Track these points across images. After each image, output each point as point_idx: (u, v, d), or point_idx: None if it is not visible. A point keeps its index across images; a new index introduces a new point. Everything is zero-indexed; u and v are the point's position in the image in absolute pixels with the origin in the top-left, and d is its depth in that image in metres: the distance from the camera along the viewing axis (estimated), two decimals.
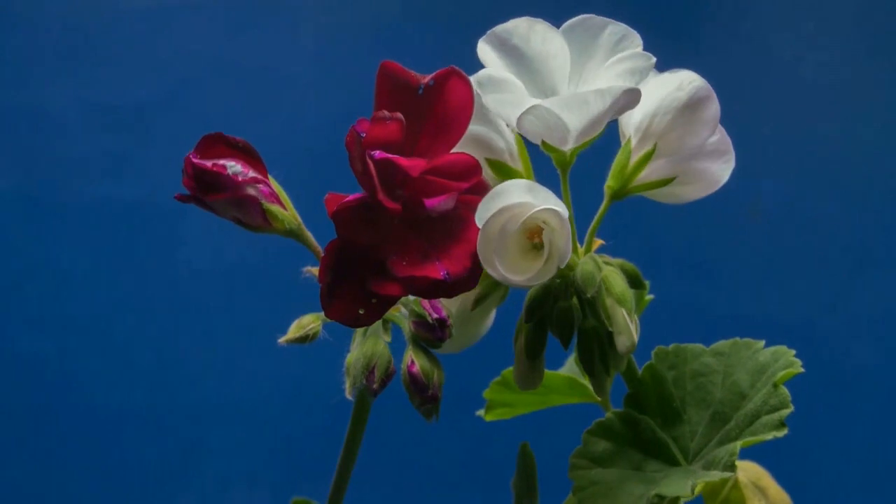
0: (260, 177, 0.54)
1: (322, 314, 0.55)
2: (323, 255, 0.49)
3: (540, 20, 0.51)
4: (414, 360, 0.55)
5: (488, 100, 0.50)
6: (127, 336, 1.31)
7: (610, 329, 0.50)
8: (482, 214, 0.47)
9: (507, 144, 0.52)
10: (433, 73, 0.50)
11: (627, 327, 0.49)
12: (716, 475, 0.51)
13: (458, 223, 0.48)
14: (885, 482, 1.29)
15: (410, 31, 1.35)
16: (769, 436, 0.51)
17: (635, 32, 0.50)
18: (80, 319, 1.31)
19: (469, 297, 0.55)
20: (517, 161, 0.53)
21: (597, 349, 0.52)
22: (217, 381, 1.30)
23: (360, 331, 0.56)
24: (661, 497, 0.52)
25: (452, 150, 0.50)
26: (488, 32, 0.51)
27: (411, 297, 0.55)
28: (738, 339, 0.57)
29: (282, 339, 0.56)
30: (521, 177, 0.52)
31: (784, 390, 0.53)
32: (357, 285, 0.49)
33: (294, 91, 1.33)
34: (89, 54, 1.33)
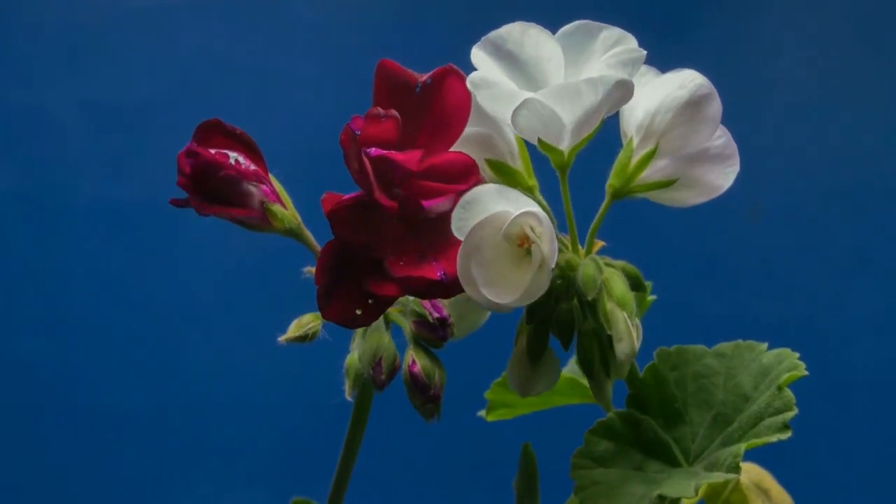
0: (261, 172, 0.53)
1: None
2: (320, 256, 0.49)
3: (533, 24, 0.51)
4: (415, 359, 0.55)
5: (482, 97, 0.49)
6: (127, 336, 1.31)
7: (609, 333, 0.50)
8: (460, 226, 0.47)
9: (507, 145, 0.52)
10: (431, 72, 0.50)
11: (628, 333, 0.49)
12: (719, 476, 0.51)
13: None
14: (886, 483, 1.29)
15: (411, 31, 1.35)
16: (773, 438, 0.51)
17: (631, 36, 0.50)
18: (80, 319, 1.31)
19: None
20: (518, 161, 0.53)
21: (597, 352, 0.52)
22: (217, 380, 1.30)
23: (359, 331, 0.56)
24: (662, 497, 0.52)
25: (451, 149, 0.50)
26: (482, 39, 0.51)
27: (410, 298, 0.55)
28: (740, 341, 0.57)
29: (281, 339, 0.56)
30: (522, 177, 0.52)
31: (788, 393, 0.52)
32: (354, 286, 0.48)
33: (294, 91, 1.33)
34: (89, 54, 1.33)
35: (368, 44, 1.32)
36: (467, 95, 0.50)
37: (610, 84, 0.47)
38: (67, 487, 1.30)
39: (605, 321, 0.50)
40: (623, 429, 0.56)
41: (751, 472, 0.63)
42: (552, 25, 0.51)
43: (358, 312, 0.48)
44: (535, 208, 0.47)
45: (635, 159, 0.52)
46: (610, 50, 0.50)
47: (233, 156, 0.53)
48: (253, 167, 0.53)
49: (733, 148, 0.53)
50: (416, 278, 0.48)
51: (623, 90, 0.48)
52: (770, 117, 1.32)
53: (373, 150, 0.48)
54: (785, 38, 1.36)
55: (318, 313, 0.55)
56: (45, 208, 1.32)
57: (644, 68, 0.52)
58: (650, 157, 0.52)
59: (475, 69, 0.50)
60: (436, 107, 0.50)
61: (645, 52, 0.49)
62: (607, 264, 0.52)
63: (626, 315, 0.50)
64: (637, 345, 0.50)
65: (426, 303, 0.55)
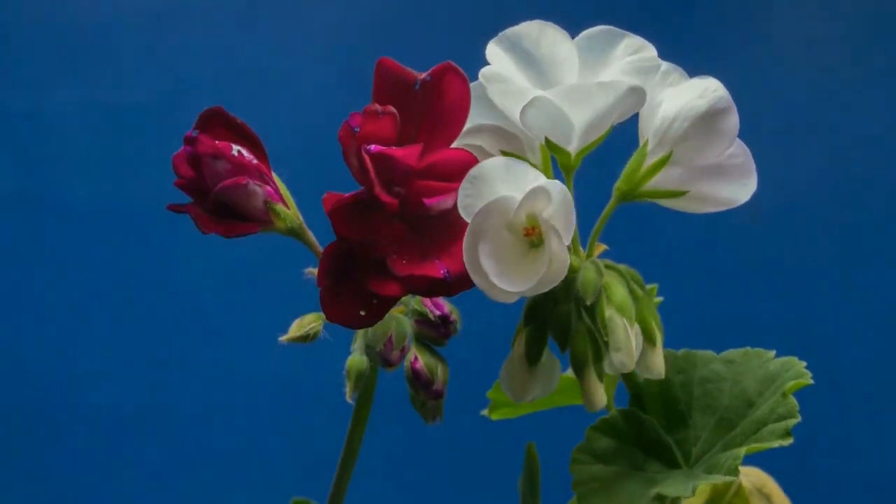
0: (264, 168, 0.53)
1: (323, 313, 0.55)
2: (322, 258, 0.49)
3: (551, 24, 0.51)
4: (418, 356, 0.55)
5: (493, 90, 0.49)
6: (127, 336, 1.31)
7: (606, 339, 0.49)
8: (467, 203, 0.47)
9: (526, 137, 0.52)
10: (430, 70, 0.50)
11: (627, 343, 0.49)
12: (718, 479, 0.51)
13: (457, 221, 0.48)
14: (886, 484, 1.28)
15: (411, 31, 1.34)
16: (775, 443, 0.51)
17: (651, 46, 0.50)
18: (80, 319, 1.31)
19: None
20: (537, 155, 0.52)
21: (590, 352, 0.51)
22: (217, 380, 1.30)
23: (360, 332, 0.56)
24: (662, 497, 0.52)
25: (452, 145, 0.50)
26: (499, 34, 0.51)
27: (411, 297, 0.55)
28: (748, 348, 0.57)
29: (283, 338, 0.56)
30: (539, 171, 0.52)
31: (792, 400, 0.53)
32: (357, 287, 0.48)
33: (294, 92, 1.33)
34: (89, 54, 1.33)
35: (368, 43, 1.32)
36: (467, 92, 0.50)
37: (622, 89, 0.47)
38: (67, 487, 1.30)
39: (602, 328, 0.50)
40: (625, 427, 0.56)
41: (752, 476, 0.63)
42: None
43: (362, 313, 0.48)
44: (543, 181, 0.46)
45: (647, 164, 0.52)
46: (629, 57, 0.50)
47: (235, 147, 0.52)
48: (255, 161, 0.53)
49: (751, 166, 0.52)
50: (419, 277, 0.47)
51: (635, 97, 0.48)
52: (770, 117, 1.31)
53: (373, 147, 0.47)
54: (785, 37, 1.36)
55: (320, 313, 0.55)
56: (45, 208, 1.32)
57: (670, 67, 0.52)
58: (662, 163, 0.51)
59: (476, 70, 0.50)
60: (435, 104, 0.49)
61: (661, 63, 0.49)
62: (608, 267, 0.52)
63: (625, 323, 0.49)
64: (636, 355, 0.50)
65: (427, 301, 0.55)
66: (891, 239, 1.31)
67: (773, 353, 0.56)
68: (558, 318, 0.52)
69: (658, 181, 0.52)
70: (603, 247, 0.53)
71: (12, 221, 1.31)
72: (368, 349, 0.55)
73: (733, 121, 0.51)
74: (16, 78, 1.33)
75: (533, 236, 0.48)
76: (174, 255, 1.30)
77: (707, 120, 0.51)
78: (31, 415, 1.30)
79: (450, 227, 0.48)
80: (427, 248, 0.48)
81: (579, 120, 0.48)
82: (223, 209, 0.52)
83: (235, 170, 0.52)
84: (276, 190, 0.53)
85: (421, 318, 0.55)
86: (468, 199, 0.47)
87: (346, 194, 0.49)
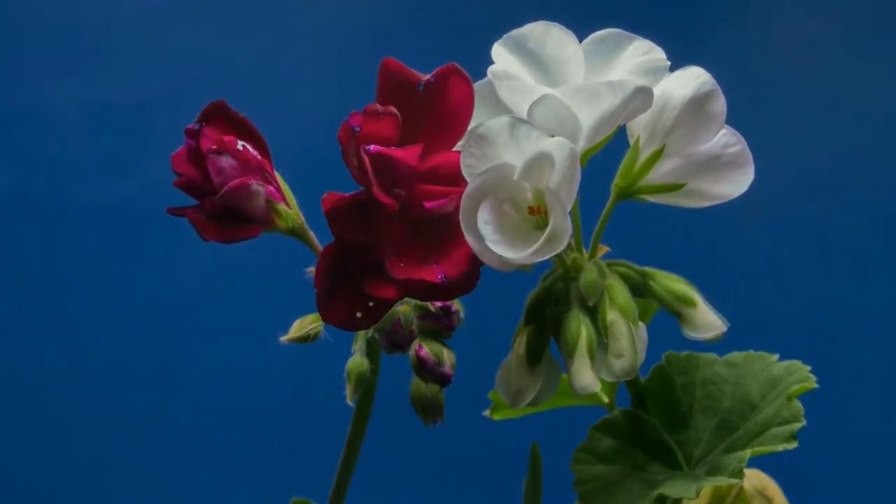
0: (267, 166, 0.53)
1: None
2: (319, 259, 0.49)
3: (556, 25, 0.51)
4: (422, 345, 0.55)
5: (501, 87, 0.49)
6: (127, 336, 1.30)
7: (606, 341, 0.49)
8: (469, 163, 0.46)
9: None
10: (434, 71, 0.50)
11: (631, 350, 0.49)
12: (722, 481, 0.50)
13: (456, 224, 0.47)
14: (887, 484, 1.28)
15: (412, 31, 1.34)
16: (779, 447, 0.51)
17: (660, 49, 0.50)
18: (80, 319, 1.31)
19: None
20: None
21: (585, 336, 0.50)
22: (218, 380, 1.30)
23: (361, 332, 0.56)
24: (663, 498, 0.52)
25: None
26: (504, 36, 0.51)
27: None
28: (751, 351, 0.57)
29: (283, 339, 0.55)
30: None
31: (797, 404, 0.53)
32: (354, 289, 0.48)
33: (295, 92, 1.33)
34: (89, 54, 1.33)
35: (369, 44, 1.32)
36: (470, 94, 0.49)
37: (630, 89, 0.47)
38: (67, 487, 1.29)
39: (603, 331, 0.49)
40: (627, 427, 0.55)
41: (754, 479, 0.63)
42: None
43: (358, 315, 0.48)
44: (544, 145, 0.46)
45: (642, 159, 0.52)
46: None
47: (240, 143, 0.52)
48: (259, 157, 0.52)
49: (747, 156, 0.52)
50: (417, 281, 0.47)
51: (643, 97, 0.48)
52: (770, 117, 1.31)
53: (372, 147, 0.47)
54: (785, 37, 1.36)
55: None
56: (45, 208, 1.31)
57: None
58: (657, 156, 0.51)
59: (478, 72, 0.50)
60: (439, 106, 0.49)
61: (669, 63, 0.49)
62: (610, 265, 0.51)
63: (630, 328, 0.49)
64: (640, 359, 0.49)
65: None
66: (891, 239, 1.31)
67: (776, 356, 0.56)
68: (560, 319, 0.51)
69: (655, 176, 0.52)
70: (605, 248, 0.53)
71: (12, 221, 1.31)
72: (373, 341, 0.55)
73: (720, 103, 0.51)
74: (16, 77, 1.33)
75: (537, 216, 0.47)
76: (174, 255, 1.30)
77: (694, 105, 0.51)
78: (32, 415, 1.30)
79: (449, 231, 0.48)
80: (425, 251, 0.48)
81: (587, 119, 0.48)
82: (225, 212, 0.51)
83: (240, 166, 0.51)
84: (279, 188, 0.53)
85: (423, 313, 0.55)
86: (471, 160, 0.46)
87: (345, 194, 0.48)
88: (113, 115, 1.32)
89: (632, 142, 0.52)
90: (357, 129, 0.48)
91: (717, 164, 0.52)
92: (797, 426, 0.52)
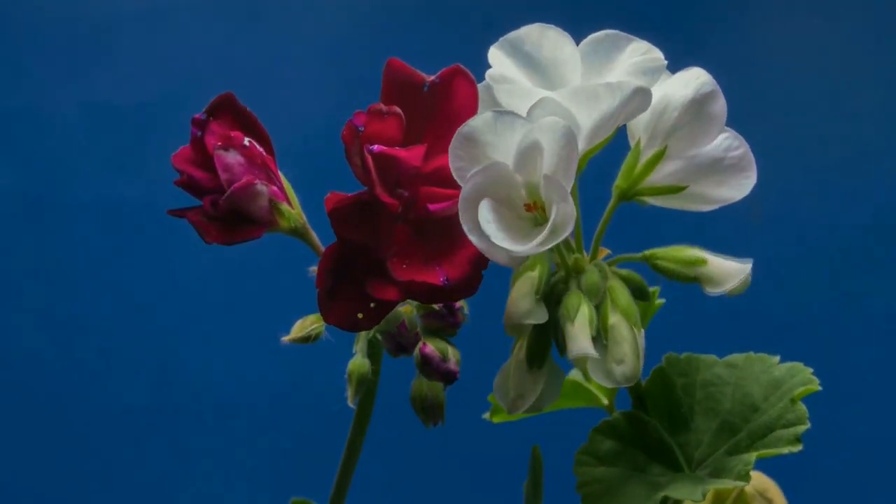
0: (271, 164, 0.53)
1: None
2: (321, 259, 0.49)
3: (552, 27, 0.51)
4: (426, 343, 0.54)
5: (500, 92, 0.49)
6: (127, 336, 1.30)
7: (605, 343, 0.49)
8: (458, 167, 0.46)
9: None
10: (438, 72, 0.50)
11: (633, 356, 0.48)
12: (728, 483, 0.50)
13: (459, 227, 0.47)
14: (887, 485, 1.28)
15: (414, 31, 1.34)
16: (784, 450, 0.51)
17: (657, 50, 0.50)
18: (80, 319, 1.30)
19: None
20: None
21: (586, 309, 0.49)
22: (218, 380, 1.30)
23: (362, 334, 0.56)
24: (666, 500, 0.52)
25: None
26: (500, 39, 0.51)
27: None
28: (751, 353, 0.57)
29: (285, 339, 0.55)
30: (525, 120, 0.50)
31: (802, 407, 0.53)
32: (356, 289, 0.48)
33: (296, 92, 1.33)
34: (89, 54, 1.33)
35: (370, 44, 1.32)
36: (475, 95, 0.49)
37: (629, 90, 0.47)
38: (67, 487, 1.29)
39: (604, 334, 0.49)
40: (628, 429, 0.55)
41: (755, 480, 0.63)
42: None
43: (360, 316, 0.48)
44: (535, 131, 0.45)
45: (643, 160, 0.52)
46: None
47: (247, 139, 0.52)
48: (265, 154, 0.52)
49: (750, 160, 0.52)
50: (419, 283, 0.47)
51: (641, 98, 0.48)
52: (770, 117, 1.31)
53: (376, 147, 0.47)
54: (785, 37, 1.36)
55: None
56: (45, 208, 1.31)
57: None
58: (658, 158, 0.51)
59: (481, 72, 0.50)
60: (443, 106, 0.49)
61: (666, 63, 0.49)
62: (612, 264, 0.51)
63: (632, 332, 0.49)
64: (640, 366, 0.49)
65: None
66: (891, 238, 1.31)
67: (777, 358, 0.56)
68: (559, 321, 0.50)
69: (656, 178, 0.52)
70: (605, 251, 0.52)
71: (12, 221, 1.31)
72: (374, 342, 0.55)
73: (720, 104, 0.51)
74: (16, 78, 1.33)
75: (535, 211, 0.47)
76: (174, 255, 1.30)
77: (695, 106, 0.51)
78: (32, 415, 1.30)
79: (452, 233, 0.47)
80: (428, 253, 0.48)
81: (586, 121, 0.48)
82: (228, 213, 0.51)
83: (247, 162, 0.51)
84: (282, 188, 0.53)
85: (427, 312, 0.55)
86: (459, 162, 0.46)
87: (348, 194, 0.48)
88: (113, 115, 1.32)
89: (633, 143, 0.52)
90: (361, 128, 0.47)
91: (719, 168, 0.52)
92: (802, 429, 0.52)
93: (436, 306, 0.54)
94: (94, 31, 1.33)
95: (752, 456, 0.51)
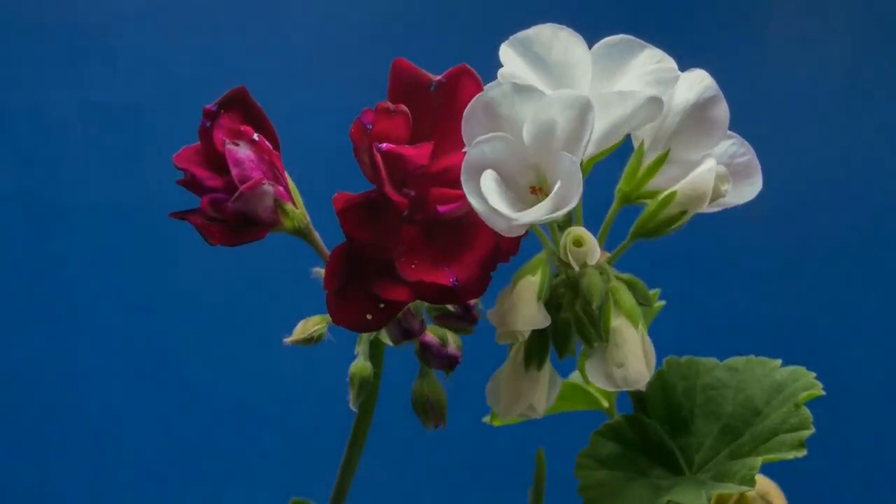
0: (277, 162, 0.53)
1: (328, 316, 0.54)
2: (329, 260, 0.48)
3: (564, 28, 0.50)
4: (426, 333, 0.54)
5: None
6: (127, 336, 1.30)
7: (605, 343, 0.48)
8: (469, 132, 0.45)
9: None
10: (445, 72, 0.50)
11: (636, 360, 0.48)
12: (732, 488, 0.50)
13: (468, 228, 0.47)
14: (887, 485, 1.28)
15: (415, 31, 1.34)
16: (789, 455, 0.51)
17: (671, 59, 0.50)
18: (80, 319, 1.30)
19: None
20: None
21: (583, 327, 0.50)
22: (219, 381, 1.30)
23: (363, 336, 0.56)
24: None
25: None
26: (511, 37, 0.50)
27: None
28: (752, 356, 0.57)
29: (287, 340, 0.55)
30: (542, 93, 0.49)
31: (806, 411, 0.52)
32: (364, 290, 0.48)
33: (296, 92, 1.33)
34: (89, 54, 1.33)
35: (372, 45, 1.32)
36: None
37: (641, 100, 0.47)
38: (67, 487, 1.29)
39: (605, 336, 0.49)
40: (629, 432, 0.55)
41: (756, 483, 0.62)
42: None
43: (368, 317, 0.48)
44: (551, 103, 0.45)
45: (645, 164, 0.52)
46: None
47: (256, 134, 0.52)
48: (273, 151, 0.52)
49: (756, 166, 0.52)
50: (428, 283, 0.47)
51: (653, 108, 0.48)
52: (770, 117, 1.31)
53: (384, 145, 0.47)
54: (786, 38, 1.36)
55: (325, 315, 0.55)
56: (46, 208, 1.31)
57: None
58: (661, 161, 0.51)
59: (485, 73, 0.50)
60: (450, 106, 0.49)
61: (679, 74, 0.49)
62: (616, 276, 0.51)
63: (637, 334, 0.48)
64: (644, 369, 0.48)
65: None
66: (891, 239, 1.31)
67: (778, 361, 0.56)
68: (558, 325, 0.50)
69: (659, 181, 0.52)
70: (606, 254, 0.52)
71: (12, 221, 1.31)
72: (376, 344, 0.55)
73: (722, 108, 0.51)
74: (16, 78, 1.33)
75: (539, 195, 0.47)
76: (175, 255, 1.30)
77: (697, 110, 0.51)
78: (31, 414, 1.30)
79: (461, 234, 0.47)
80: (437, 254, 0.48)
81: (595, 127, 0.48)
82: (232, 214, 0.51)
83: (256, 157, 0.51)
84: (287, 187, 0.53)
85: (442, 314, 0.54)
86: (475, 130, 0.46)
87: (357, 194, 0.48)
88: (113, 115, 1.32)
89: (636, 146, 0.52)
90: (370, 126, 0.47)
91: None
92: (806, 434, 0.52)
93: (451, 308, 0.54)
94: (93, 32, 1.33)
95: (758, 461, 0.51)
